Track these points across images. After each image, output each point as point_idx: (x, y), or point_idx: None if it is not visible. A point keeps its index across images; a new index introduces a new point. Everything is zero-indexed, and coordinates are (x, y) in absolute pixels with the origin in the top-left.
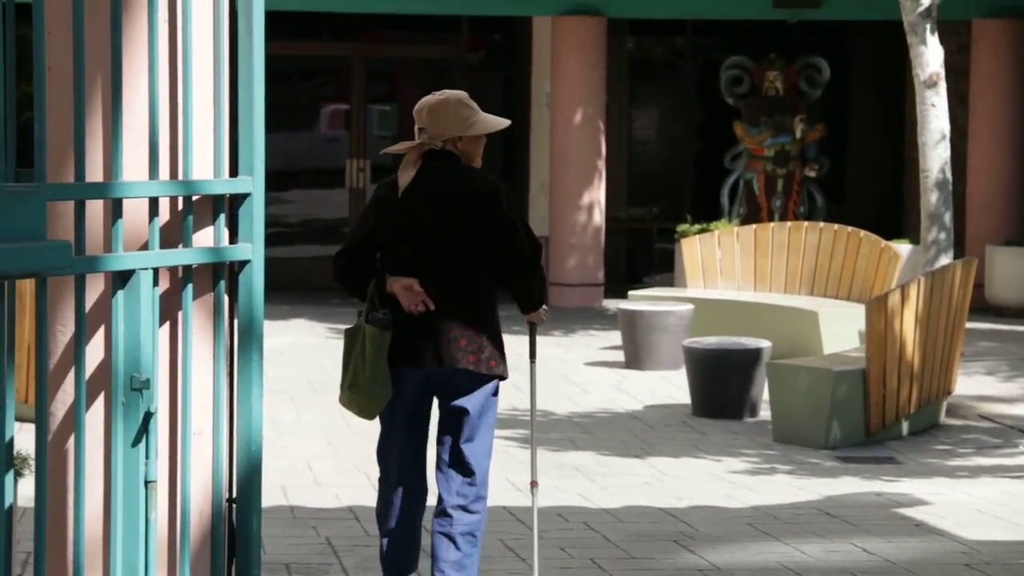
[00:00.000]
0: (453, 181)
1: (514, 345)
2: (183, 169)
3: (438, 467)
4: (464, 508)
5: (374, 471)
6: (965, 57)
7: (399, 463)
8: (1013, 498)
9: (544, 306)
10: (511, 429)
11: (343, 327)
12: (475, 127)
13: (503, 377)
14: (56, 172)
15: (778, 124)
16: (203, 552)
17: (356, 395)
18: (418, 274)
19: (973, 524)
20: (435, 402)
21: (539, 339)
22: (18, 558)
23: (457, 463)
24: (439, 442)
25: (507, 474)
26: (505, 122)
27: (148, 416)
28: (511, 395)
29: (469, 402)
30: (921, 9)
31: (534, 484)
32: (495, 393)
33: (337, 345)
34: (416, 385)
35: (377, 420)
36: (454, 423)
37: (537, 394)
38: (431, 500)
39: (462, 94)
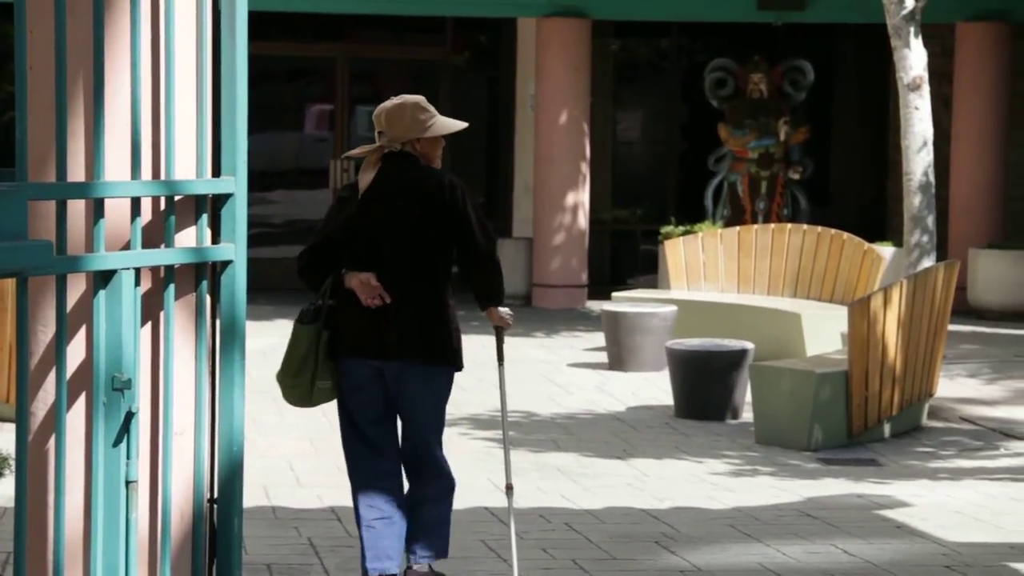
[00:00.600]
0: (411, 180)
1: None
2: (165, 169)
3: (405, 464)
4: (431, 499)
5: None
6: (949, 60)
7: (367, 451)
8: (994, 500)
9: (508, 310)
10: (492, 430)
11: None
12: (432, 129)
13: (458, 368)
14: (38, 171)
15: (762, 126)
16: (184, 552)
17: (284, 383)
18: (376, 269)
19: (954, 526)
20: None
21: (522, 340)
22: None
23: (416, 452)
24: (402, 436)
25: (489, 475)
26: (462, 124)
27: (129, 416)
28: (494, 397)
29: (424, 392)
30: (905, 12)
31: (509, 488)
32: (449, 383)
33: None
34: (372, 375)
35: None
36: (410, 413)
37: (519, 395)
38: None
39: (419, 98)
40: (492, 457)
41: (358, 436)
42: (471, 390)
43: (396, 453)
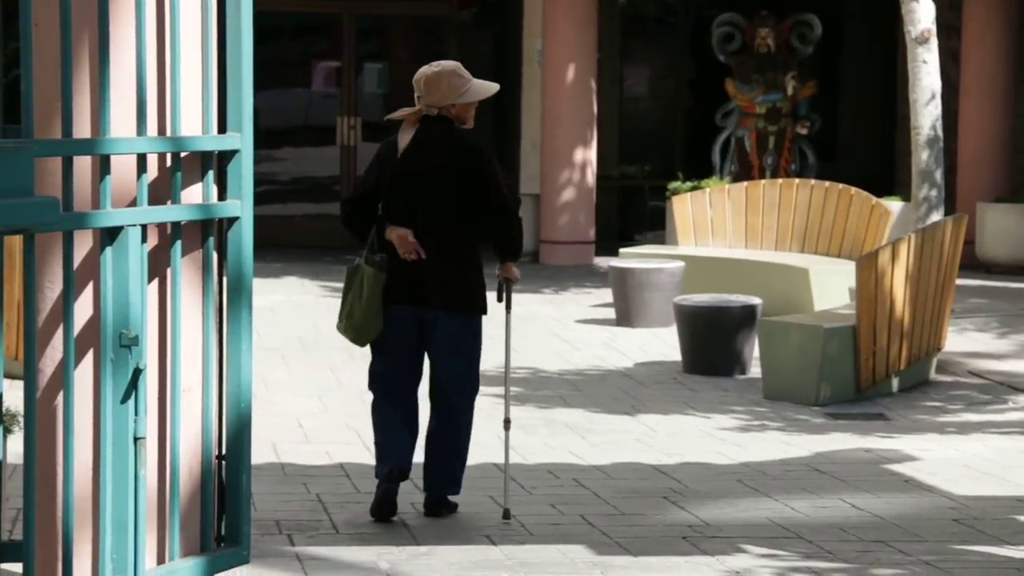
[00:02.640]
0: (446, 143)
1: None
2: (171, 126)
3: (433, 399)
4: (456, 436)
5: (365, 428)
6: (957, 14)
7: (395, 384)
8: (1002, 454)
9: (516, 269)
10: (500, 387)
11: (335, 285)
12: (467, 95)
13: (485, 312)
14: (44, 128)
15: (770, 81)
16: (192, 508)
17: (351, 325)
18: (412, 224)
19: (962, 480)
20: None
21: (530, 296)
22: (8, 514)
23: (445, 391)
24: (433, 376)
25: (498, 431)
26: (495, 87)
27: (137, 373)
28: (501, 352)
29: (453, 335)
30: None
31: (507, 422)
32: (479, 327)
33: (329, 303)
34: (408, 320)
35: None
36: (442, 355)
37: (527, 352)
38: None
39: (456, 65)
40: (501, 413)
41: (385, 376)
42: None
43: (416, 399)
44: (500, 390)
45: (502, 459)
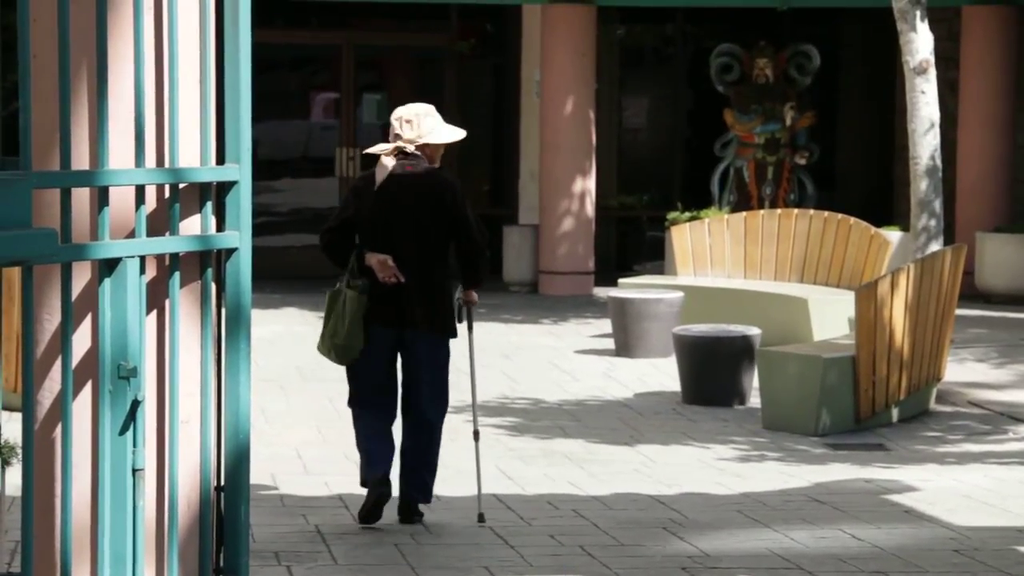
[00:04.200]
0: (421, 178)
1: (504, 333)
2: (170, 157)
3: (407, 415)
4: (429, 443)
5: None
6: (955, 44)
7: (373, 400)
8: (1002, 484)
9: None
10: (500, 417)
11: None
12: (441, 136)
13: (455, 335)
14: (42, 160)
15: (768, 111)
16: (191, 540)
17: (335, 344)
18: (389, 251)
19: (962, 510)
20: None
21: (529, 327)
22: (6, 547)
23: (420, 406)
24: (407, 391)
25: (496, 462)
26: (462, 133)
27: (135, 404)
28: (501, 384)
29: (429, 356)
30: None
31: (476, 433)
32: (449, 348)
33: None
34: (386, 341)
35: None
36: (418, 374)
37: (526, 382)
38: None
39: (431, 107)
40: (500, 443)
41: (367, 391)
42: (478, 377)
43: (394, 414)
44: (499, 420)
45: (501, 490)
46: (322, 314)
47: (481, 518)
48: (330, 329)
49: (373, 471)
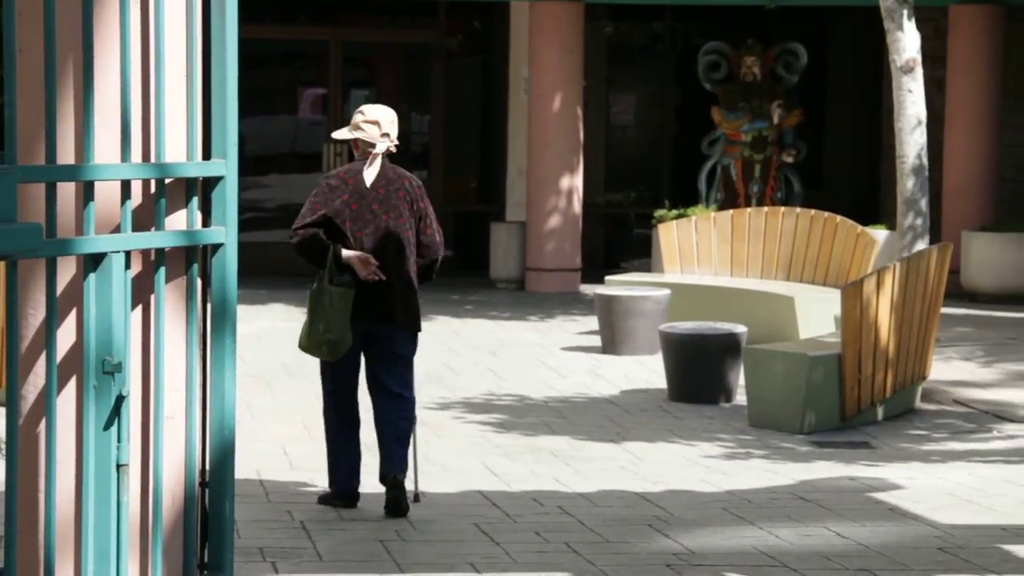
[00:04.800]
0: (395, 178)
1: (491, 329)
2: (155, 152)
3: (381, 394)
4: (406, 421)
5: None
6: (942, 43)
7: (346, 394)
8: (986, 482)
9: None
10: (486, 414)
11: None
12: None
13: (420, 330)
14: (27, 154)
15: (755, 109)
16: (175, 536)
17: (327, 340)
18: (371, 248)
19: (947, 508)
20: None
21: (516, 324)
22: None
23: (397, 392)
24: (378, 378)
25: (482, 459)
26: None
27: (120, 400)
28: (487, 380)
29: (404, 349)
30: None
31: (413, 419)
32: (417, 341)
33: None
34: (361, 335)
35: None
36: (392, 364)
37: (513, 379)
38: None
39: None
40: (487, 440)
41: (341, 383)
42: (464, 373)
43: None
44: (485, 416)
45: (487, 487)
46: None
47: (417, 498)
48: (322, 325)
49: (347, 483)
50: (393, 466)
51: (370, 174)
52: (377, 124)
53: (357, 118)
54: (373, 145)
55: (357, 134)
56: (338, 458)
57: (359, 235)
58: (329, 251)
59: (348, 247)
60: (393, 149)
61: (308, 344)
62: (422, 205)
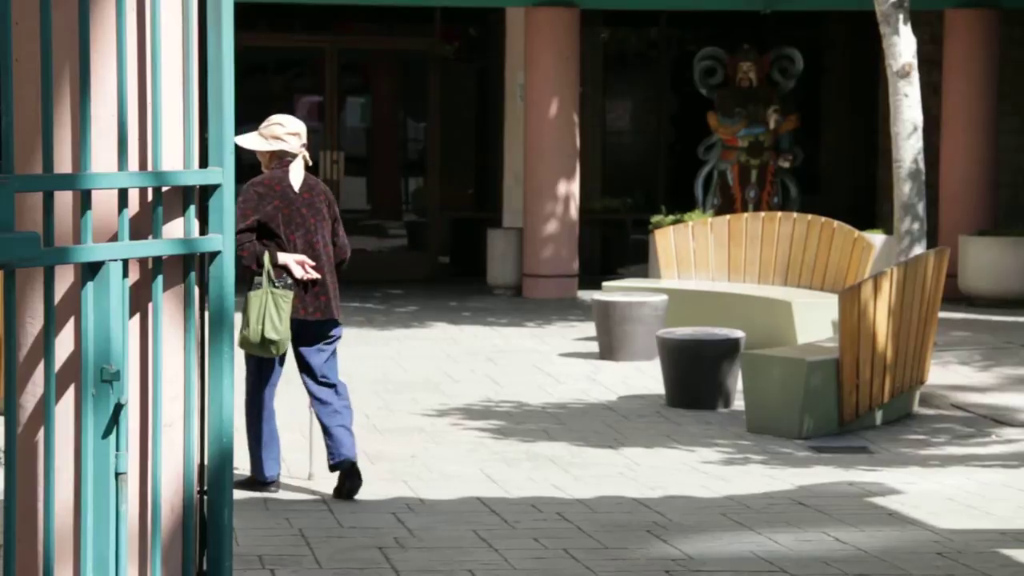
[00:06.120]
0: (315, 184)
1: (488, 336)
2: (152, 160)
3: (324, 387)
4: (348, 408)
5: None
6: (938, 47)
7: (272, 387)
8: (985, 487)
9: None
10: (484, 420)
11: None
12: None
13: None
14: (24, 163)
15: (752, 115)
16: (174, 544)
17: (274, 340)
18: (300, 251)
19: (945, 513)
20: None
21: (513, 330)
22: None
23: (335, 382)
24: (319, 370)
25: (481, 465)
26: None
27: (118, 408)
28: (484, 387)
29: (336, 340)
30: None
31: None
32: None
33: None
34: (300, 330)
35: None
36: (332, 356)
37: (510, 385)
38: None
39: None
40: (484, 447)
41: (268, 376)
42: (462, 380)
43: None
44: (483, 423)
45: (485, 493)
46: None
47: (310, 476)
48: (267, 326)
49: (272, 470)
50: (348, 450)
51: (296, 181)
52: (298, 136)
53: (277, 130)
54: (292, 155)
55: (280, 145)
56: (269, 446)
57: (292, 238)
58: (265, 255)
59: (281, 249)
60: (310, 161)
61: (252, 345)
62: (335, 209)
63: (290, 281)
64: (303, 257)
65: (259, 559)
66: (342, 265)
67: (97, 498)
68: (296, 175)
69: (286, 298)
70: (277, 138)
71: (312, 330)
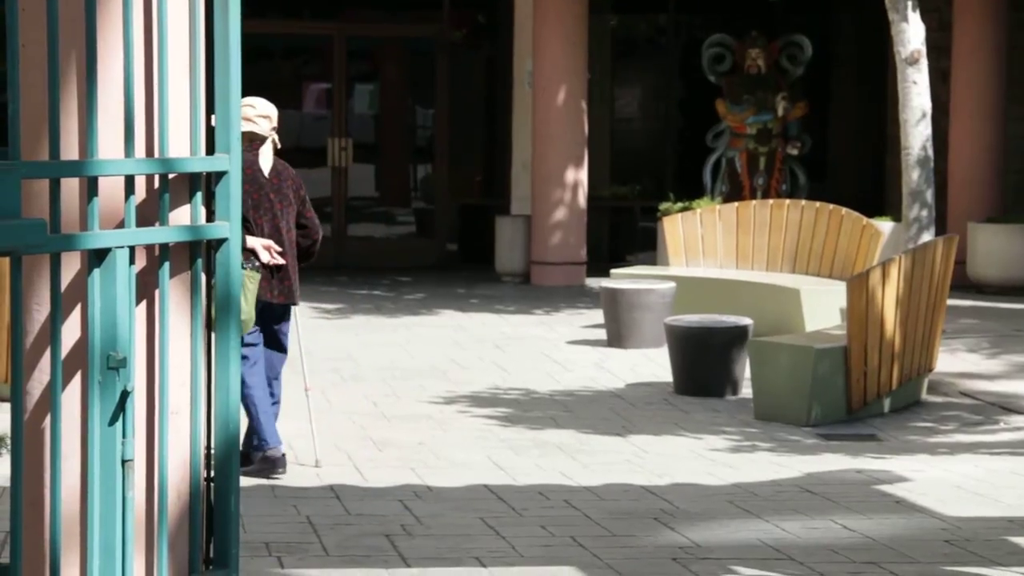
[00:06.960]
0: (283, 169)
1: (496, 323)
2: (159, 147)
3: (279, 365)
4: (281, 387)
5: (355, 450)
6: (946, 34)
7: (261, 366)
8: (993, 474)
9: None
10: (491, 407)
11: (325, 306)
12: None
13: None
14: (31, 150)
15: (760, 102)
16: (181, 531)
17: (241, 320)
18: (267, 235)
19: (953, 500)
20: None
21: (521, 317)
22: None
23: (281, 361)
24: (277, 350)
25: (488, 453)
26: None
27: (125, 395)
28: (492, 374)
29: (291, 323)
30: None
31: (308, 389)
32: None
33: (319, 324)
34: (264, 311)
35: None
36: (284, 338)
37: (518, 373)
38: None
39: None
40: (492, 434)
41: (258, 356)
42: (471, 368)
43: None
44: (490, 410)
45: (493, 480)
46: (313, 304)
47: (317, 463)
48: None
49: (273, 447)
50: (275, 437)
51: (265, 165)
52: (268, 118)
53: (247, 111)
54: (262, 138)
55: (250, 127)
56: (266, 423)
57: (260, 222)
58: None
59: (249, 233)
60: (279, 144)
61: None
62: (303, 193)
63: (257, 264)
64: (270, 242)
65: (266, 546)
66: (314, 246)
67: (104, 485)
68: (266, 159)
69: (253, 279)
70: (248, 119)
71: (276, 312)
